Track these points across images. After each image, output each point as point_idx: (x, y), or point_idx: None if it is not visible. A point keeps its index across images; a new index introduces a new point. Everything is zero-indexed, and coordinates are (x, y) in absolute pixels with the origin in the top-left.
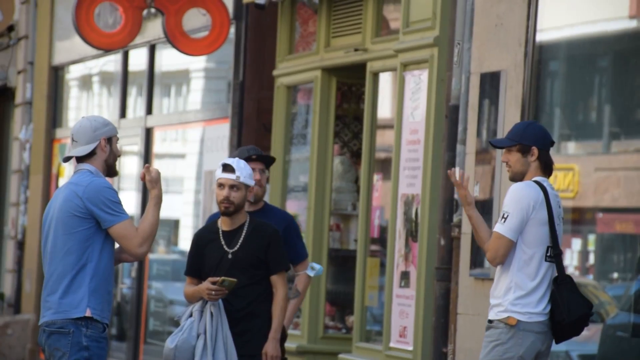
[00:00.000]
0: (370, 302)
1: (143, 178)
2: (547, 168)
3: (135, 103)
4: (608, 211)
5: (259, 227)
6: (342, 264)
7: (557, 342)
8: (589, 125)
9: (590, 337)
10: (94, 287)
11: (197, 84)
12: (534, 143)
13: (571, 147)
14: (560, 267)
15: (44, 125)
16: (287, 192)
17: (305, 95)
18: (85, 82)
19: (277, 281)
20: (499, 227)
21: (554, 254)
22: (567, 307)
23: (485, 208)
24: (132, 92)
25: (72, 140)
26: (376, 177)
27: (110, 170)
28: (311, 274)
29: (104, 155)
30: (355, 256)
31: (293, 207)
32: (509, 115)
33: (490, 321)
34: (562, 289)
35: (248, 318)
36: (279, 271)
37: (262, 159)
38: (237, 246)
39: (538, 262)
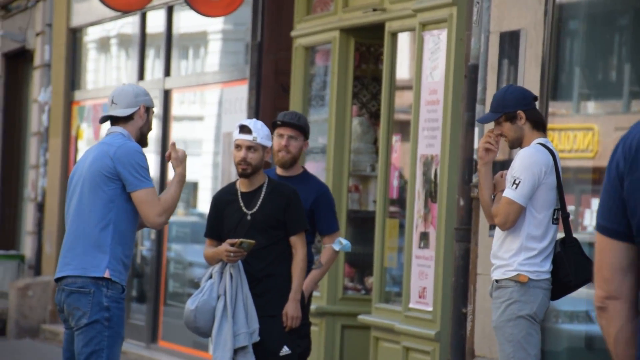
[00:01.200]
0: (390, 263)
1: (169, 157)
2: (539, 124)
3: (153, 65)
4: None
5: (277, 188)
6: (361, 225)
7: (553, 299)
8: (609, 85)
9: None
10: (114, 249)
11: (215, 46)
12: (516, 107)
13: (591, 106)
14: (568, 230)
15: (63, 87)
16: (305, 154)
17: (323, 56)
18: (104, 45)
19: (296, 242)
20: (510, 193)
21: (563, 217)
22: (575, 270)
23: (505, 168)
24: (150, 54)
25: (112, 102)
26: (395, 138)
27: (143, 140)
28: (337, 247)
29: (140, 123)
30: (374, 217)
31: (311, 168)
32: (529, 75)
33: (497, 281)
34: (569, 251)
35: (267, 279)
36: (298, 232)
37: (288, 125)
38: (256, 207)
39: (546, 225)
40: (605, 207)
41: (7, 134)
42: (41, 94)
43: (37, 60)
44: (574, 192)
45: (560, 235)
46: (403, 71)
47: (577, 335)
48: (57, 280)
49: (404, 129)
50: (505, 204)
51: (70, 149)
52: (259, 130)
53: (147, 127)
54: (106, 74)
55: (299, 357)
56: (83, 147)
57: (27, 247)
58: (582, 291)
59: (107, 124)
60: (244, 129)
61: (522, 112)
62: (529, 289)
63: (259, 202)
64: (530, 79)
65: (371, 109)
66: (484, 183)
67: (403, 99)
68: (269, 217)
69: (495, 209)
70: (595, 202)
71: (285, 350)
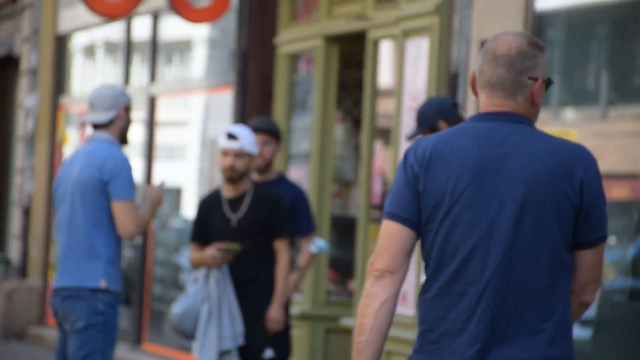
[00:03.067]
0: None
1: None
2: None
3: (140, 71)
4: (606, 177)
5: (262, 193)
6: (344, 230)
7: None
8: (587, 92)
9: None
10: (108, 257)
11: (200, 52)
12: (437, 117)
13: (569, 113)
14: None
15: (49, 93)
16: (289, 160)
17: (307, 63)
18: (90, 51)
19: (280, 246)
20: None
21: None
22: None
23: None
24: (136, 60)
25: (92, 106)
26: (377, 145)
27: (124, 138)
28: (314, 250)
29: (121, 124)
30: (357, 222)
31: (295, 174)
32: None
33: None
34: None
35: (252, 283)
36: (282, 236)
37: (261, 131)
38: (242, 213)
39: None
40: (399, 200)
41: None
42: (27, 99)
43: (23, 66)
44: None
45: None
46: (386, 78)
47: None
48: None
49: (386, 135)
50: None
51: (56, 153)
52: (246, 138)
53: (127, 125)
54: (92, 80)
55: None
56: (69, 152)
57: (13, 250)
58: None
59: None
60: (230, 137)
61: (443, 121)
62: None
63: (244, 208)
64: None
65: (354, 115)
66: None
67: (386, 106)
68: (254, 222)
69: None
70: None
71: (269, 353)
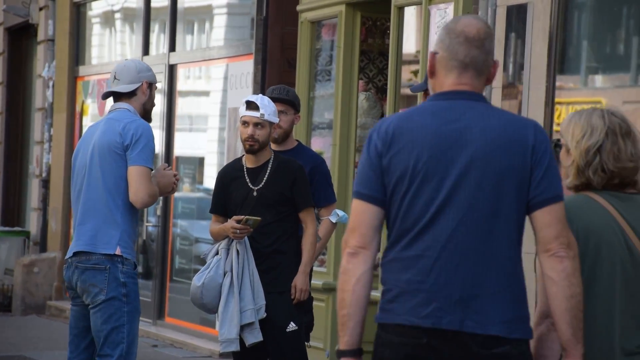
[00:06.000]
0: None
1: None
2: None
3: (158, 40)
4: None
5: (283, 163)
6: None
7: None
8: (617, 58)
9: None
10: (125, 225)
11: (220, 20)
12: None
13: (598, 80)
14: None
15: (67, 62)
16: (311, 129)
17: (329, 30)
18: (108, 19)
19: (306, 217)
20: None
21: None
22: None
23: None
24: (155, 28)
25: (114, 78)
26: None
27: (147, 116)
28: (334, 219)
29: (143, 99)
30: None
31: (318, 144)
32: (536, 49)
33: None
34: None
35: (274, 255)
36: (307, 206)
37: (277, 100)
38: (262, 183)
39: None
40: (365, 179)
41: (11, 110)
42: (45, 69)
43: (40, 35)
44: None
45: None
46: (410, 45)
47: None
48: (71, 256)
49: (410, 103)
50: None
51: (75, 124)
52: (266, 107)
53: (150, 103)
54: (110, 49)
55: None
56: (88, 122)
57: (32, 223)
58: None
59: (110, 100)
60: (250, 106)
61: None
62: None
63: (264, 178)
64: (537, 52)
65: (378, 83)
66: None
67: (410, 73)
68: (275, 193)
69: None
70: None
71: (292, 326)
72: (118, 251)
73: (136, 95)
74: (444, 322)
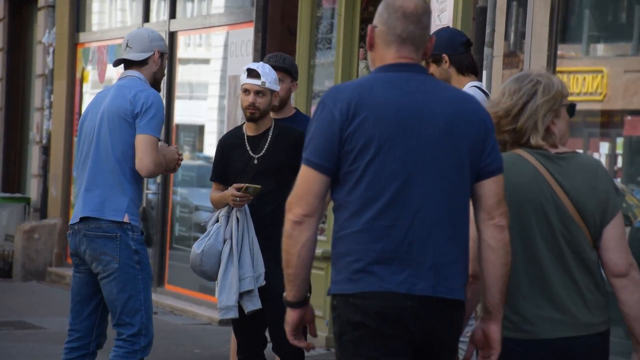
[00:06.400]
0: None
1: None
2: (467, 69)
3: (159, 7)
4: (637, 114)
5: (284, 131)
6: None
7: None
8: (619, 27)
9: None
10: (132, 193)
11: None
12: (442, 51)
13: (600, 49)
14: None
15: (67, 29)
16: (312, 97)
17: None
18: None
19: None
20: None
21: None
22: None
23: None
24: None
25: (127, 45)
26: None
27: (156, 86)
28: None
29: (154, 68)
30: None
31: None
32: (538, 17)
33: None
34: None
35: (275, 223)
36: None
37: (274, 68)
38: (263, 151)
39: None
40: (318, 148)
41: (11, 76)
42: (45, 35)
43: (41, 1)
44: (582, 136)
45: None
46: None
47: None
48: (77, 222)
49: None
50: None
51: (75, 91)
52: (267, 75)
53: (161, 73)
54: (111, 16)
55: None
56: (88, 89)
57: (33, 190)
58: None
59: (121, 67)
60: (252, 73)
61: (447, 55)
62: None
63: (265, 146)
64: (539, 21)
65: None
66: None
67: None
68: (276, 161)
69: None
70: (603, 146)
71: None
72: (126, 218)
73: (147, 64)
74: (418, 288)
